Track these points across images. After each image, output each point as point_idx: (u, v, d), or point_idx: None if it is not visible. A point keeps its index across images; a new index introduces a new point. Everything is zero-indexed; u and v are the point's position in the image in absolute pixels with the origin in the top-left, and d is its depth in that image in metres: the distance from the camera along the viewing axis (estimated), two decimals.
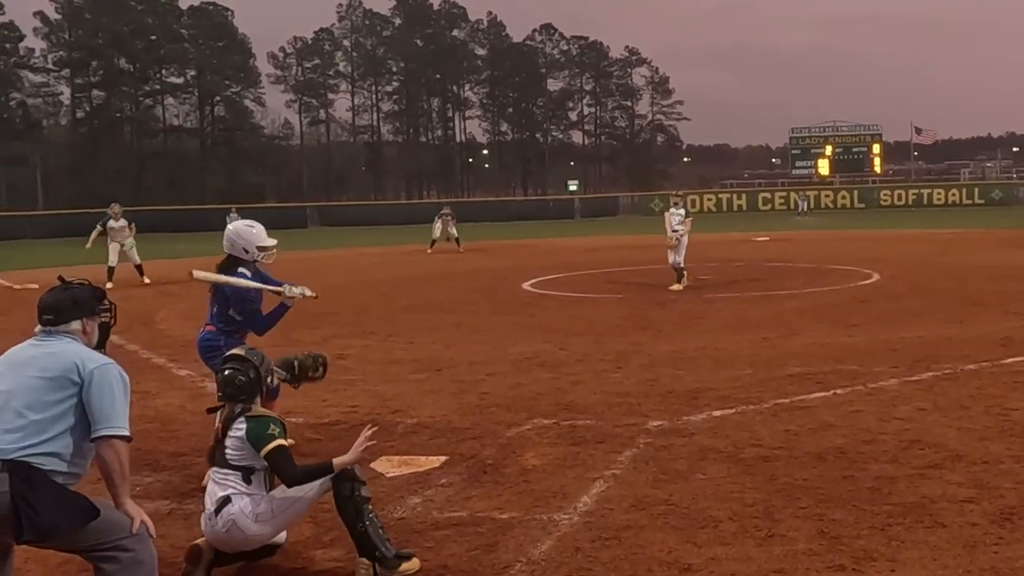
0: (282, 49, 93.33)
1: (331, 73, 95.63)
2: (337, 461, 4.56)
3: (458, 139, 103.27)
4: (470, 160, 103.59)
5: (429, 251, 28.61)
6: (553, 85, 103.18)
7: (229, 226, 6.59)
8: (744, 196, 62.14)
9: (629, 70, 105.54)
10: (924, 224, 38.52)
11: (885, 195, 59.18)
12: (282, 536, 4.81)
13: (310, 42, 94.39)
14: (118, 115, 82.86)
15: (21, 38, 78.24)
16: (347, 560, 4.70)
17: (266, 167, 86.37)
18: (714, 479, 5.83)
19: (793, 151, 76.62)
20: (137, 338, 12.15)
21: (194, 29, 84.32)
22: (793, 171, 76.23)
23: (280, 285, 6.43)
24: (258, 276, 6.46)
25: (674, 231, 16.76)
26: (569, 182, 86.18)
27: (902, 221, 42.21)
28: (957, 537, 4.77)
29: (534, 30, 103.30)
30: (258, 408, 4.77)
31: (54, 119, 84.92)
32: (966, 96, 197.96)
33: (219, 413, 4.81)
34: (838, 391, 8.05)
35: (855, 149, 73.58)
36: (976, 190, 59.86)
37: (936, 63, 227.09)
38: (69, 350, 3.75)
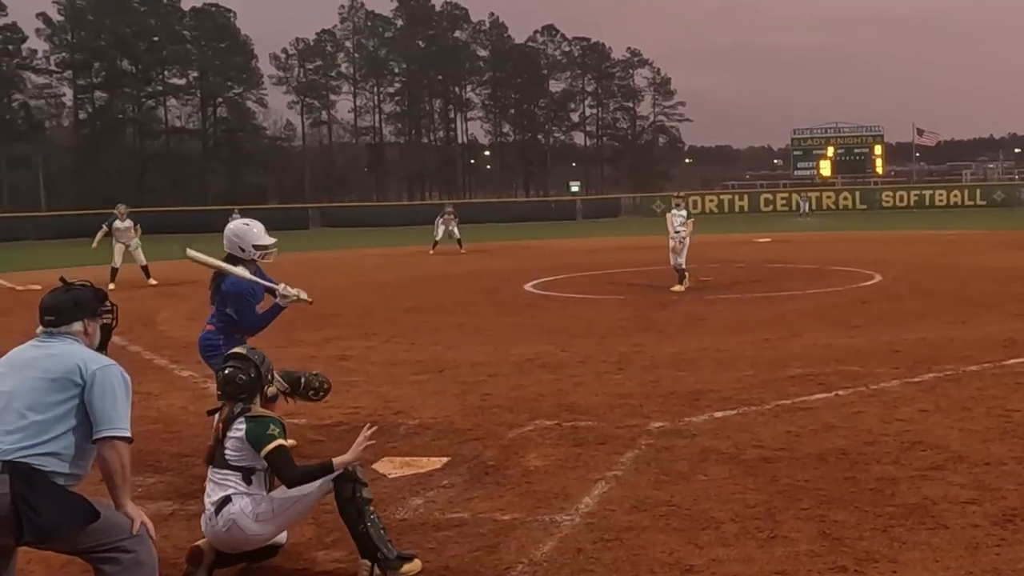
0: (284, 50, 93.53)
1: (333, 74, 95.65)
2: (337, 460, 4.56)
3: (460, 140, 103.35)
4: (472, 161, 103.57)
5: (431, 252, 28.58)
6: (555, 86, 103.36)
7: (228, 225, 6.59)
8: (746, 197, 62.08)
9: (631, 71, 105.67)
10: (926, 225, 38.49)
11: (887, 196, 59.10)
12: (283, 537, 4.81)
13: (312, 43, 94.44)
14: (120, 116, 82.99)
15: (24, 39, 78.45)
16: (349, 561, 4.70)
17: (268, 168, 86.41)
18: (716, 480, 5.83)
19: (795, 152, 76.65)
20: (139, 339, 12.16)
21: (196, 30, 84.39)
22: (795, 172, 76.23)
23: (276, 284, 6.40)
24: (258, 276, 6.44)
25: (676, 232, 16.77)
26: (571, 183, 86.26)
27: (904, 222, 42.17)
28: (959, 538, 4.77)
29: (536, 31, 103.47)
30: (258, 408, 4.77)
31: (56, 120, 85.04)
32: (968, 97, 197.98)
33: (218, 414, 4.81)
34: (840, 392, 8.05)
35: (857, 150, 73.58)
36: (978, 191, 59.77)
37: (938, 64, 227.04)
38: (71, 351, 3.76)
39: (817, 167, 73.41)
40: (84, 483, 3.74)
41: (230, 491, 4.57)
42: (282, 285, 6.35)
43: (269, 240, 6.49)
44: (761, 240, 31.31)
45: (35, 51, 79.64)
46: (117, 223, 20.38)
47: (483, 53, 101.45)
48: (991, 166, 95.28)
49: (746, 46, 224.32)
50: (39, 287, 15.16)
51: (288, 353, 9.97)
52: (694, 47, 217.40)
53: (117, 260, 20.12)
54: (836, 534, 4.87)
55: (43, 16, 78.44)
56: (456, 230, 29.41)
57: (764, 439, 6.69)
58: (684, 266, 16.75)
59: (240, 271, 6.28)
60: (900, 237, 31.73)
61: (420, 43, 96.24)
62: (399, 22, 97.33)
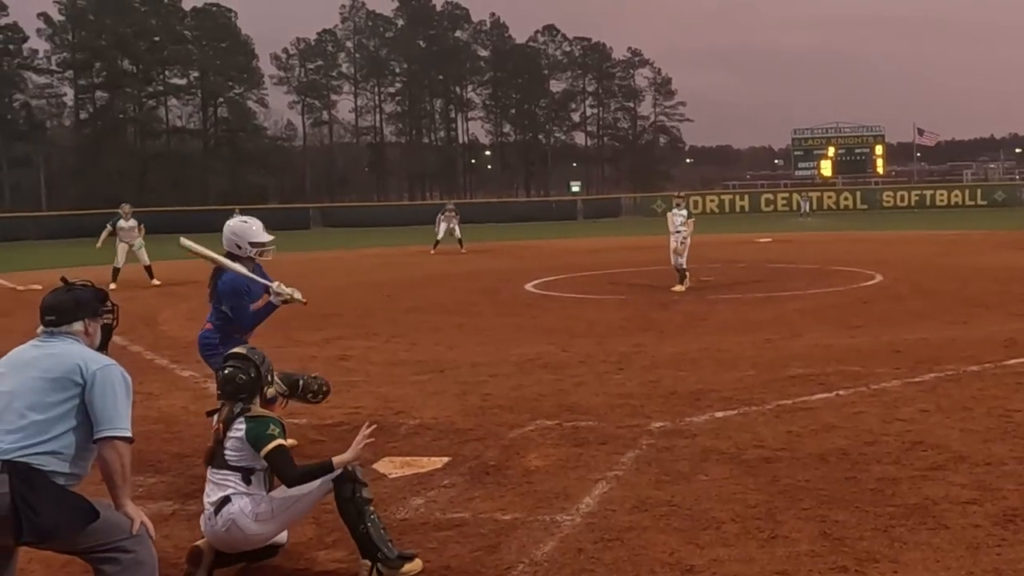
0: (285, 50, 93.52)
1: (334, 74, 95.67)
2: (337, 459, 4.56)
3: (461, 140, 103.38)
4: (473, 161, 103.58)
5: (432, 252, 28.57)
6: (556, 86, 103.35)
7: (227, 223, 6.60)
8: (747, 197, 62.08)
9: (631, 71, 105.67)
10: (927, 225, 38.47)
11: (888, 196, 59.09)
12: (283, 537, 4.81)
13: (313, 43, 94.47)
14: (121, 116, 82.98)
15: (25, 39, 78.40)
16: (350, 561, 4.70)
17: (269, 168, 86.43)
18: (716, 480, 5.83)
19: (795, 152, 76.62)
20: (140, 339, 12.16)
21: (197, 30, 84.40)
22: (796, 172, 76.20)
23: (271, 282, 6.38)
24: (256, 273, 6.43)
25: (677, 232, 16.77)
26: (571, 183, 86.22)
27: (905, 222, 42.16)
28: (960, 539, 4.77)
29: (536, 31, 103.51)
30: (257, 408, 4.77)
31: (58, 120, 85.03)
32: (968, 97, 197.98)
33: (217, 415, 4.81)
34: (841, 392, 8.05)
35: (857, 150, 73.55)
36: (979, 191, 59.76)
37: (938, 64, 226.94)
38: (71, 351, 3.76)
39: (818, 167, 73.39)
40: (84, 483, 3.74)
41: (229, 491, 4.57)
42: (276, 283, 6.35)
43: (266, 237, 6.49)
44: (762, 240, 31.30)
45: (36, 51, 79.83)
46: (121, 222, 20.33)
47: (484, 53, 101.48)
48: (992, 166, 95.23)
49: (746, 46, 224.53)
50: (40, 287, 15.17)
51: (288, 353, 9.98)
52: (694, 47, 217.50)
53: (120, 260, 20.06)
54: (837, 534, 4.87)
55: (44, 16, 78.61)
56: (457, 229, 29.37)
57: (765, 439, 6.69)
58: (685, 266, 16.75)
59: (233, 264, 6.28)
60: (901, 237, 31.72)
61: (421, 43, 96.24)
62: (400, 22, 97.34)
